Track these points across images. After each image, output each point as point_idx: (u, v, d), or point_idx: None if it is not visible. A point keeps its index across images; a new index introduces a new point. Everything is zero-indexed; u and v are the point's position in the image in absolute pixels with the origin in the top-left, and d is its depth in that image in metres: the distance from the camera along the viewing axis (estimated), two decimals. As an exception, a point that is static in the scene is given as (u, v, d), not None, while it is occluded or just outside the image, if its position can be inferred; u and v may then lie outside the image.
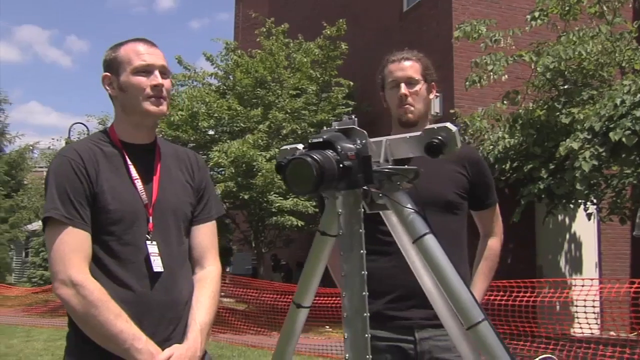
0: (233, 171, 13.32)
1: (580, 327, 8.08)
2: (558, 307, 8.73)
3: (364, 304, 1.39)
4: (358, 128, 1.39)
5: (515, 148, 9.81)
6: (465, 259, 2.57)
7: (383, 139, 1.44)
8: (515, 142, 9.71)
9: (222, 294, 15.28)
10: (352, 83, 14.76)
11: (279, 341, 1.61)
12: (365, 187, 1.40)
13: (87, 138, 2.27)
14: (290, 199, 13.41)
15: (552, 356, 2.40)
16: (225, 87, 15.67)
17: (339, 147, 1.33)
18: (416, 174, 1.44)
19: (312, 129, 13.91)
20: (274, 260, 17.49)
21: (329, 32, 14.67)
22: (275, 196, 13.51)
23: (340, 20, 14.72)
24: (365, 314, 1.38)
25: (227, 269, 21.03)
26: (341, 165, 1.31)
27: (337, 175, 1.30)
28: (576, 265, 12.21)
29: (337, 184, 1.33)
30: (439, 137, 1.38)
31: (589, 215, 9.60)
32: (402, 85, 2.48)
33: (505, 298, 7.65)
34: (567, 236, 12.25)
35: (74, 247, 1.97)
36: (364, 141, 1.38)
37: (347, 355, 1.39)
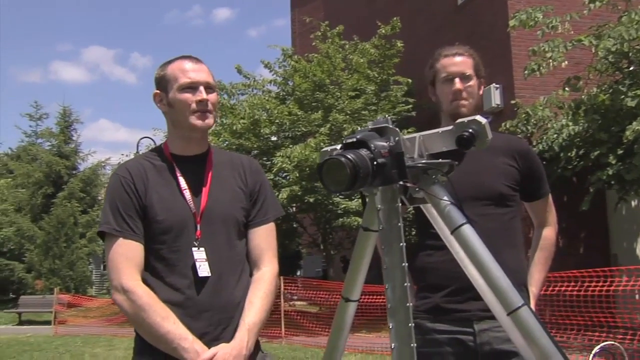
0: (297, 175, 13.47)
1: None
2: (637, 296, 8.48)
3: (406, 295, 1.44)
4: (391, 126, 1.45)
5: (580, 135, 9.59)
6: (522, 251, 2.56)
7: (417, 135, 1.50)
8: (580, 129, 9.49)
9: (295, 297, 15.52)
10: (410, 80, 14.71)
11: (330, 335, 1.68)
12: (401, 183, 1.45)
13: (142, 154, 2.45)
14: (355, 199, 13.46)
15: (616, 343, 2.37)
16: (284, 93, 15.89)
17: (372, 145, 1.39)
18: (450, 167, 1.48)
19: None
20: (343, 261, 17.58)
21: (383, 31, 14.68)
22: (340, 198, 13.58)
23: (395, 18, 14.70)
24: (407, 304, 1.43)
25: (298, 273, 21.27)
26: (375, 163, 1.37)
27: (372, 172, 1.36)
28: (654, 252, 11.81)
29: (372, 181, 1.38)
30: (470, 130, 1.42)
31: (662, 200, 9.28)
32: (457, 80, 2.50)
33: (577, 288, 7.49)
34: (643, 222, 11.85)
35: (125, 256, 2.13)
36: (397, 138, 1.43)
37: (392, 345, 1.44)
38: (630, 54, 9.42)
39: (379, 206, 1.49)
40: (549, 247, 2.64)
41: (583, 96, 9.62)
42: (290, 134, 14.87)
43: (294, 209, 15.30)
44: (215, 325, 2.17)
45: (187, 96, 2.23)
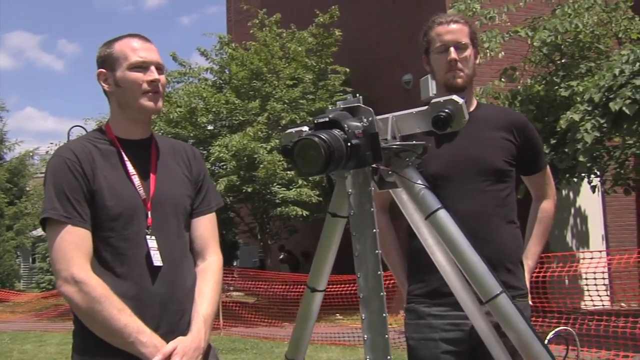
0: (235, 165, 13.31)
1: (592, 300, 8.08)
2: (567, 282, 8.73)
3: (379, 284, 1.37)
4: (364, 106, 1.38)
5: (516, 125, 9.77)
6: (517, 227, 2.51)
7: (389, 115, 1.43)
8: (516, 119, 9.67)
9: (231, 287, 15.37)
10: (348, 70, 14.71)
11: (295, 326, 1.60)
12: (374, 166, 1.38)
13: (83, 137, 2.28)
14: (294, 189, 13.40)
15: (569, 329, 2.38)
16: (221, 81, 15.64)
17: (345, 125, 1.32)
18: (424, 149, 1.42)
19: (310, 118, 13.88)
20: (280, 251, 17.51)
21: (321, 19, 14.60)
22: (278, 187, 13.50)
23: (333, 7, 14.64)
24: (381, 294, 1.37)
25: (234, 263, 21.08)
26: (349, 144, 1.29)
27: (346, 154, 1.29)
28: (583, 239, 12.20)
29: (346, 163, 1.31)
30: (446, 110, 1.36)
31: (593, 188, 9.57)
32: (452, 49, 2.40)
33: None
34: (572, 210, 12.22)
35: (74, 245, 1.98)
36: (370, 119, 1.36)
37: (365, 337, 1.38)
38: (563, 47, 9.65)
39: (350, 190, 1.41)
40: (547, 220, 2.61)
41: (519, 87, 9.80)
42: (227, 123, 14.67)
43: (231, 198, 15.11)
44: (169, 318, 2.07)
45: (138, 75, 2.10)
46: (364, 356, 1.37)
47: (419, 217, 1.55)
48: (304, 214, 13.44)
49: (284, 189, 13.52)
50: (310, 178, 13.80)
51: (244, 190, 13.63)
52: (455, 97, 1.37)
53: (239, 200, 15.17)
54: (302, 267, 16.46)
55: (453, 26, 2.43)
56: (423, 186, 1.40)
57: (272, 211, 14.30)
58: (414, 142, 1.41)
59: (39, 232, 26.82)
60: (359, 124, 1.34)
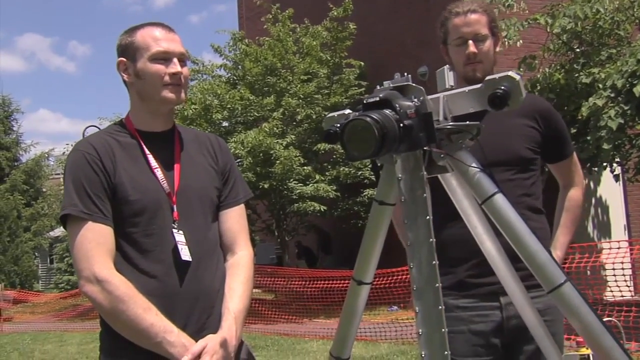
0: (251, 161, 13.24)
1: (613, 291, 7.95)
2: (589, 272, 8.59)
3: (435, 274, 1.28)
4: (414, 84, 1.29)
5: (536, 114, 9.62)
6: (544, 216, 2.45)
7: (440, 95, 1.34)
8: (536, 108, 9.53)
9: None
10: (362, 63, 14.59)
11: (341, 321, 1.52)
12: (425, 148, 1.29)
13: (103, 130, 2.20)
14: (311, 184, 13.32)
15: (614, 319, 2.30)
16: (235, 78, 15.57)
17: (397, 105, 1.22)
18: (478, 130, 1.33)
19: (326, 113, 13.78)
20: (298, 247, 17.44)
21: (335, 13, 14.49)
22: (295, 183, 13.42)
23: (346, 0, 14.52)
24: (437, 285, 1.28)
25: (251, 260, 21.04)
26: (401, 125, 1.20)
27: (399, 135, 1.20)
28: (604, 229, 12.03)
29: (398, 146, 1.22)
30: (502, 88, 1.27)
31: (616, 177, 9.42)
32: (470, 42, 2.32)
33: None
34: (593, 200, 12.05)
35: (95, 242, 1.90)
36: (422, 98, 1.27)
37: (420, 331, 1.29)
38: (582, 34, 9.48)
39: (400, 175, 1.32)
40: (576, 209, 2.53)
41: (538, 75, 9.64)
42: (242, 119, 14.59)
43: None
44: (198, 315, 1.99)
45: (160, 67, 2.01)
46: (419, 352, 1.29)
47: (469, 204, 1.47)
48: (322, 210, 13.34)
49: (301, 184, 13.44)
50: (327, 173, 13.74)
51: (260, 187, 13.55)
52: (512, 73, 1.28)
53: (256, 196, 15.08)
54: (319, 263, 16.40)
55: (471, 17, 2.34)
56: (478, 169, 1.31)
57: (289, 207, 14.22)
58: (468, 122, 1.32)
59: (56, 232, 26.98)
60: (410, 103, 1.25)
